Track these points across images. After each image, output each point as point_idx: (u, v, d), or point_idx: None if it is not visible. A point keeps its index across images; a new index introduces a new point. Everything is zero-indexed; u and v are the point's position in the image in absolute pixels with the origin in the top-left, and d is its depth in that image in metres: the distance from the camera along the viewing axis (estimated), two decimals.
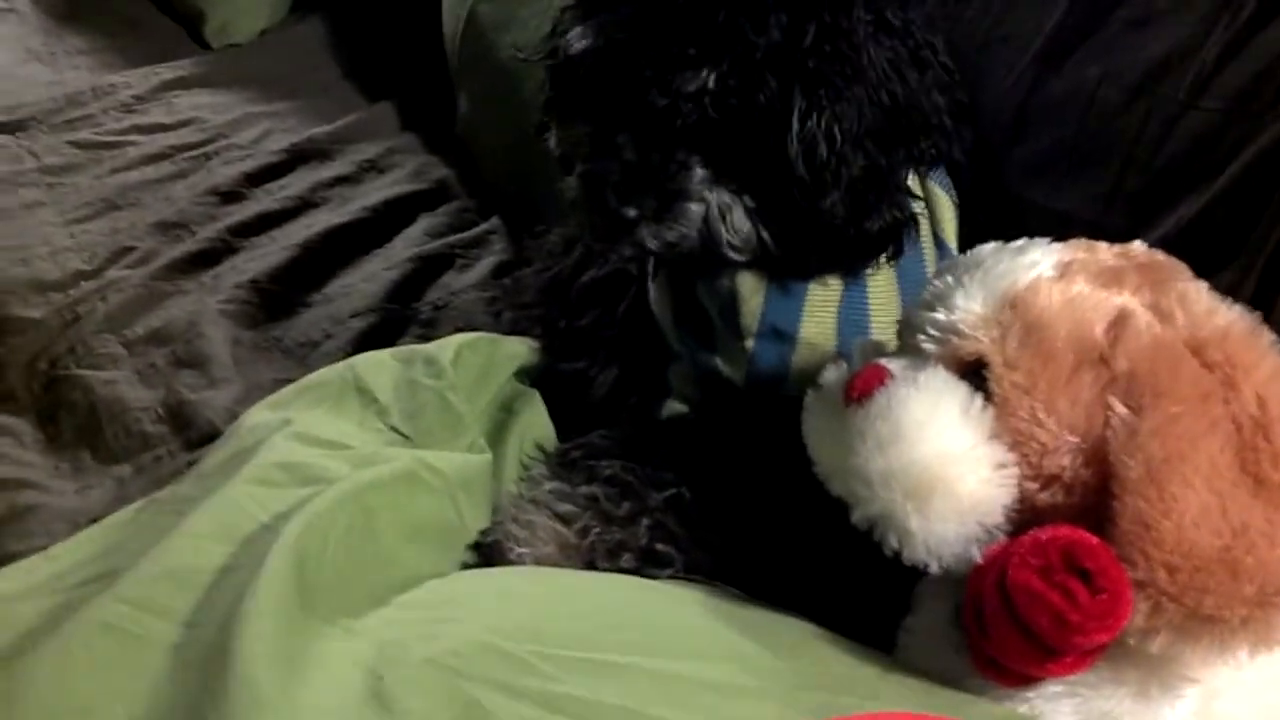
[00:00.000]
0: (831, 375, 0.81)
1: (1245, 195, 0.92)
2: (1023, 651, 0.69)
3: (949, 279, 0.80)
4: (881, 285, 0.99)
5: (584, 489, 0.97)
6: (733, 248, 0.95)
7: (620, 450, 1.01)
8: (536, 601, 0.79)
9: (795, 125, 0.90)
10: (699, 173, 0.93)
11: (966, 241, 1.05)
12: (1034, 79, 1.10)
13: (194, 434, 1.21)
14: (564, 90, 0.97)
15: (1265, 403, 0.70)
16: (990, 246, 0.82)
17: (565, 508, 0.96)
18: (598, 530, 0.94)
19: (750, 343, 0.97)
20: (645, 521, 0.95)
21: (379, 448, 0.93)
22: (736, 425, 1.01)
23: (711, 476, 0.98)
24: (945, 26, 1.14)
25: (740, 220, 0.94)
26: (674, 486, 0.97)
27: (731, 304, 0.98)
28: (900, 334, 0.84)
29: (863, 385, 0.75)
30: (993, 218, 1.07)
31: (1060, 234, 1.03)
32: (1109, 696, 0.71)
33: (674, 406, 1.04)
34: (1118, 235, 0.99)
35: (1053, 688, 0.72)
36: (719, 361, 1.00)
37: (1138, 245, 0.82)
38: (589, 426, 1.05)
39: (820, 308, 0.97)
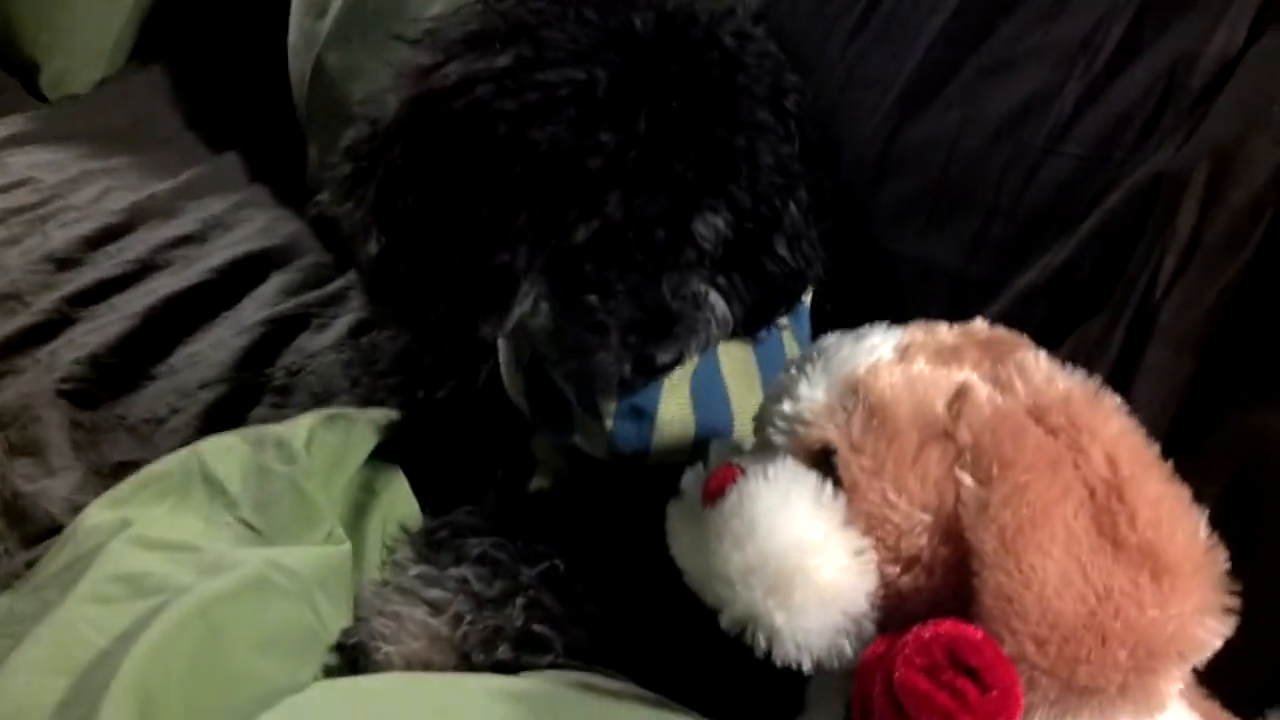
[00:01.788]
0: (690, 480, 0.80)
1: (1110, 242, 0.92)
2: None
3: (793, 371, 0.80)
4: (735, 356, 0.97)
5: (453, 570, 0.93)
6: (717, 338, 0.95)
7: (489, 526, 0.97)
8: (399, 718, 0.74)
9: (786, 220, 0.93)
10: (712, 291, 0.93)
11: (835, 298, 1.04)
12: (895, 124, 1.09)
13: (32, 529, 1.13)
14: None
15: (1115, 463, 0.69)
16: (833, 336, 0.82)
17: (434, 593, 0.91)
18: (469, 618, 0.89)
19: (609, 423, 0.93)
20: (519, 600, 0.91)
21: (228, 547, 0.87)
22: (606, 496, 0.97)
23: (585, 548, 0.94)
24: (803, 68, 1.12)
25: (723, 310, 0.94)
26: (547, 559, 0.93)
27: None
28: (755, 430, 0.83)
29: (715, 485, 0.74)
30: (859, 270, 1.06)
31: (926, 283, 1.04)
32: None
33: (541, 481, 1.00)
34: (984, 284, 0.99)
35: None
36: (578, 439, 0.96)
37: (979, 323, 0.82)
38: (455, 502, 1.01)
39: (676, 384, 0.94)
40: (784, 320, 0.99)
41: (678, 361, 0.92)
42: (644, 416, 0.93)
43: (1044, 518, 0.67)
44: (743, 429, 0.94)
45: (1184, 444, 0.78)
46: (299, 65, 1.71)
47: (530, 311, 0.90)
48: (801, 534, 0.71)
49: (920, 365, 0.76)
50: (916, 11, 1.11)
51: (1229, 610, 0.69)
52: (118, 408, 1.31)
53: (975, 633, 0.66)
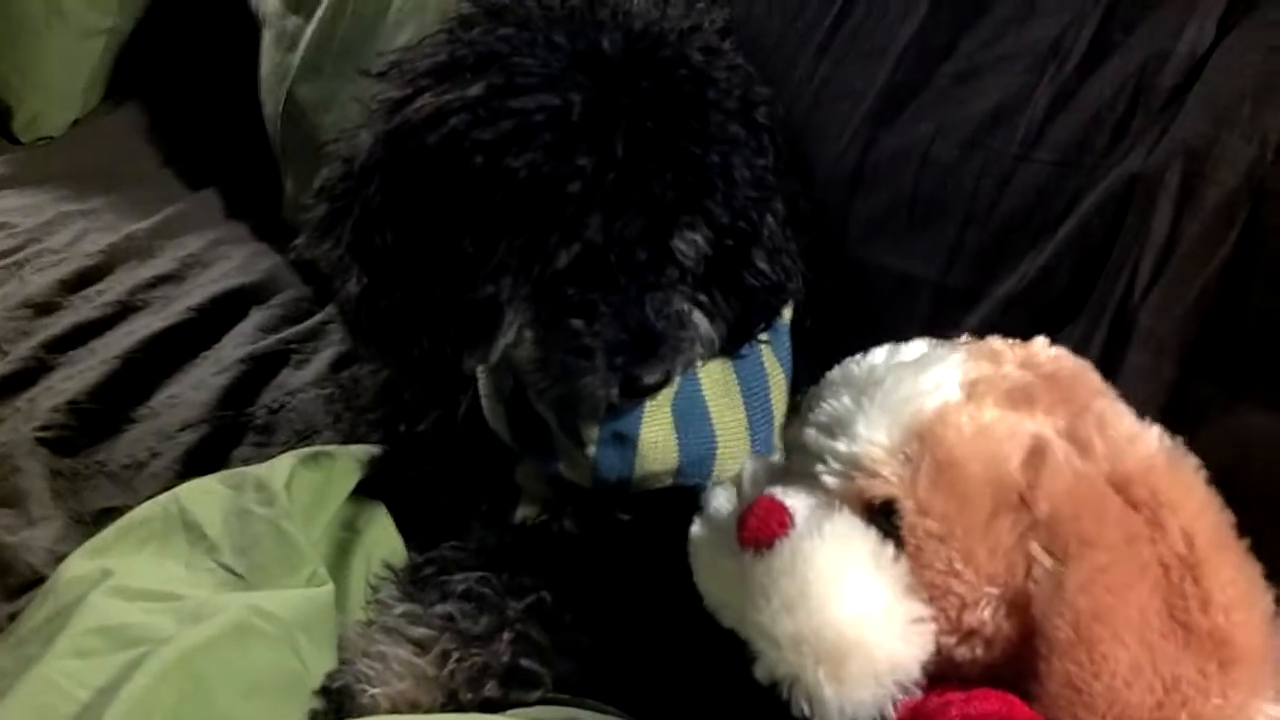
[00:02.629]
0: (721, 503, 0.76)
1: (1087, 247, 0.91)
2: None
3: (846, 400, 0.74)
4: (715, 375, 0.96)
5: (438, 608, 0.91)
6: (701, 356, 0.94)
7: (474, 561, 0.95)
8: None
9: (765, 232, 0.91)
10: (695, 310, 0.92)
11: (814, 313, 1.03)
12: (868, 138, 1.08)
13: (14, 580, 1.12)
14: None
15: (1193, 541, 0.66)
16: (883, 357, 0.78)
17: (419, 632, 0.90)
18: (456, 655, 0.88)
19: (592, 450, 0.92)
20: (506, 636, 0.89)
21: (209, 593, 0.86)
22: (592, 524, 0.96)
23: (572, 577, 0.93)
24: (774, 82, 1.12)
25: (706, 328, 0.93)
26: (534, 592, 0.92)
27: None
28: (788, 452, 0.79)
29: (760, 528, 0.69)
30: (837, 283, 1.05)
31: (905, 295, 1.03)
32: None
33: (526, 510, 0.99)
34: (963, 294, 0.98)
35: None
36: (562, 468, 0.95)
37: (1040, 345, 0.79)
38: (440, 537, 1.00)
39: (657, 407, 0.92)
40: (763, 336, 0.98)
41: (664, 382, 0.90)
42: (626, 442, 0.92)
43: (1120, 603, 0.64)
44: (725, 449, 0.93)
45: None
46: (271, 99, 1.70)
47: (514, 341, 0.89)
48: (861, 606, 0.67)
49: (990, 411, 0.71)
50: (885, 23, 1.11)
51: None
52: (98, 454, 1.29)
53: (1027, 713, 0.64)
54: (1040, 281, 0.94)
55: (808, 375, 0.94)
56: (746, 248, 0.92)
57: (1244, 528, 0.77)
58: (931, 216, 1.02)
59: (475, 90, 0.85)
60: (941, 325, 0.91)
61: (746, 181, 0.90)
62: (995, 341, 0.80)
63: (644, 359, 0.88)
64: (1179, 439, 0.75)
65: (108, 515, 1.06)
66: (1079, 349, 0.89)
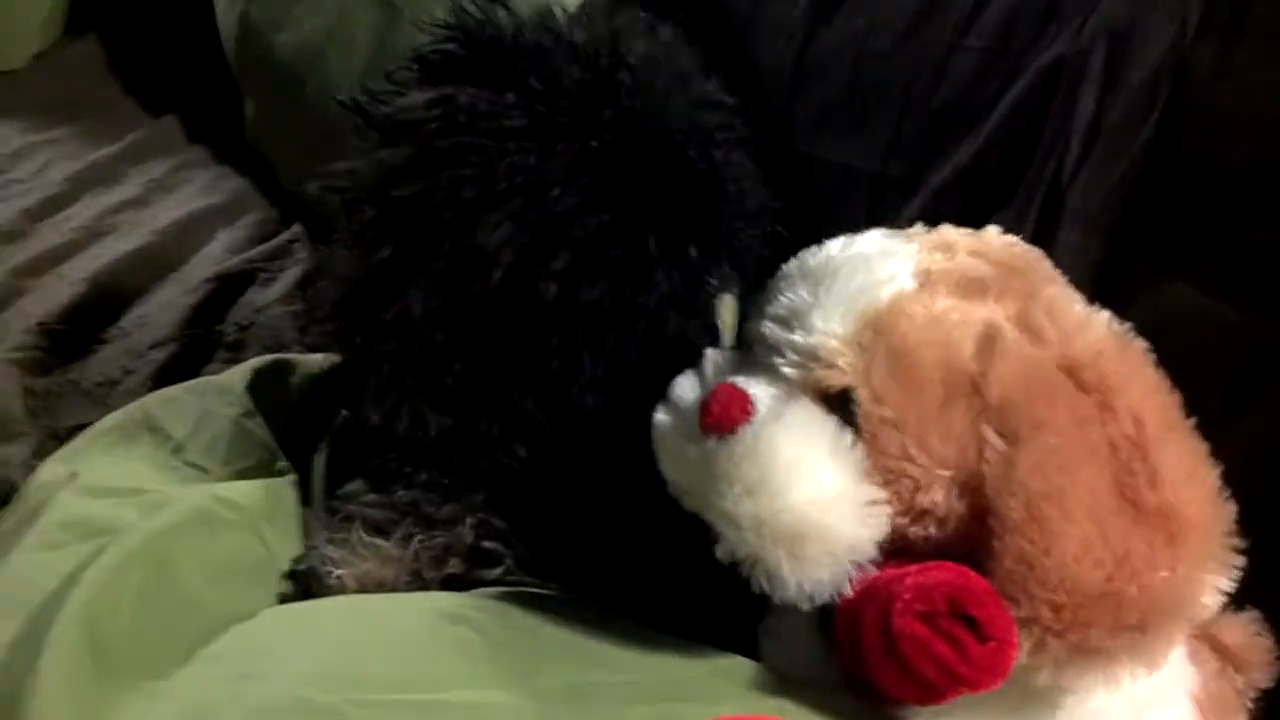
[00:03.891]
0: (685, 391, 0.77)
1: (1017, 132, 0.94)
2: (904, 690, 0.67)
3: (802, 293, 0.76)
4: None
5: (402, 494, 0.94)
6: None
7: (439, 453, 0.98)
8: (349, 642, 0.75)
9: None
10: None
11: None
12: (806, 34, 1.10)
13: None
14: None
15: (1140, 421, 0.68)
16: (837, 248, 0.79)
17: (384, 516, 0.92)
18: (420, 537, 0.91)
19: None
20: (469, 520, 0.92)
21: (174, 487, 0.89)
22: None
23: (534, 468, 0.95)
24: None
25: None
26: (496, 480, 0.94)
27: None
28: (748, 343, 0.81)
29: (723, 415, 0.71)
30: (782, 179, 1.07)
31: (847, 187, 1.05)
32: (983, 714, 0.69)
33: None
34: (901, 184, 1.01)
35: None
36: None
37: (993, 234, 0.80)
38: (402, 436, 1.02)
39: None
40: None
41: None
42: None
43: (1071, 482, 0.65)
44: None
45: None
46: (227, 20, 1.70)
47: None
48: (819, 489, 0.68)
49: (943, 300, 0.73)
50: None
51: (1233, 566, 0.68)
52: (70, 373, 1.31)
53: (979, 582, 0.65)
54: (972, 168, 0.96)
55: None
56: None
57: None
58: (870, 109, 1.04)
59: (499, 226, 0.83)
60: (882, 215, 0.94)
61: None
62: (949, 231, 0.81)
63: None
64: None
65: (81, 430, 1.07)
66: (1011, 232, 0.92)
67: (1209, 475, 0.70)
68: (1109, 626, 0.65)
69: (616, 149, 0.83)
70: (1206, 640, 0.77)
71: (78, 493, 0.87)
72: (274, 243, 1.53)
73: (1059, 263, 0.86)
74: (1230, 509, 0.69)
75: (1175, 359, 0.81)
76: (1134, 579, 0.64)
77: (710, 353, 0.82)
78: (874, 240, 0.80)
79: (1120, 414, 0.68)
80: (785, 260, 0.83)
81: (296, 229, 1.56)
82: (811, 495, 0.68)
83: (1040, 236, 0.90)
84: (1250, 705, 0.78)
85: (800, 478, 0.68)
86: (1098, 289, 0.85)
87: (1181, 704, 0.73)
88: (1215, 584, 0.68)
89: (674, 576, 0.84)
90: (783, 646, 0.77)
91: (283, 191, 1.64)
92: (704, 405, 0.73)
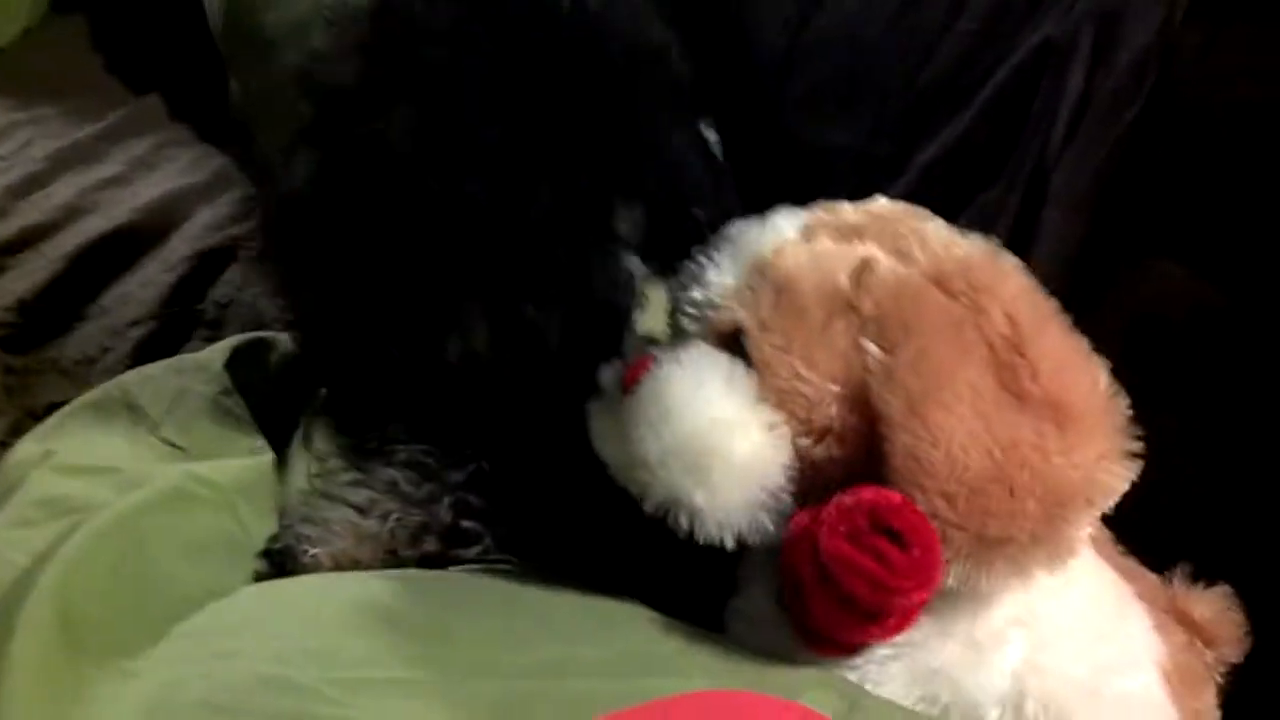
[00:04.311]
0: (609, 375, 0.80)
1: (1003, 112, 0.94)
2: (845, 621, 0.68)
3: (701, 258, 0.81)
4: None
5: (381, 473, 0.93)
6: None
7: (417, 433, 0.97)
8: (321, 619, 0.75)
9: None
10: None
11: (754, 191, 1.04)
12: (799, 18, 1.09)
13: None
14: None
15: (1014, 320, 0.70)
16: (739, 223, 0.83)
17: (361, 495, 0.91)
18: (397, 515, 0.90)
19: None
20: (447, 500, 0.91)
21: (150, 465, 0.88)
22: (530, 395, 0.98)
23: (511, 449, 0.95)
24: None
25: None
26: (474, 461, 0.94)
27: None
28: (668, 323, 0.84)
29: (632, 375, 0.75)
30: (771, 161, 1.07)
31: (833, 168, 1.05)
32: (937, 651, 0.71)
33: None
34: (887, 164, 1.00)
35: (881, 651, 0.71)
36: None
37: (880, 200, 0.83)
38: (381, 414, 1.01)
39: None
40: None
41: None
42: None
43: (948, 378, 0.68)
44: None
45: (1081, 300, 0.79)
46: (213, 0, 1.69)
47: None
48: (715, 414, 0.71)
49: (824, 243, 0.77)
50: None
51: (1133, 455, 0.70)
52: (49, 350, 1.31)
53: (894, 496, 0.67)
54: (959, 148, 0.96)
55: None
56: (682, 205, 0.93)
57: (1152, 371, 0.80)
58: (859, 92, 1.04)
59: (407, 118, 0.84)
60: (867, 194, 0.93)
61: (680, 146, 0.90)
62: (841, 204, 0.84)
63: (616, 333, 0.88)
64: (1092, 292, 0.78)
65: (59, 409, 1.07)
66: (997, 211, 0.92)
67: (1092, 366, 0.71)
68: (1008, 514, 0.66)
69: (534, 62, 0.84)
70: (1175, 614, 0.78)
71: (53, 471, 0.86)
72: (255, 221, 1.51)
73: (1043, 241, 0.87)
74: (1123, 400, 0.70)
75: (1158, 335, 0.82)
76: (1025, 465, 0.66)
77: (629, 336, 0.85)
78: (775, 210, 0.84)
79: (993, 314, 0.70)
80: None
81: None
82: (708, 420, 0.71)
83: (1025, 215, 0.90)
84: (1220, 680, 0.78)
85: (697, 407, 0.72)
86: (1081, 266, 0.85)
87: (1148, 672, 0.74)
88: (1117, 471, 0.69)
89: (643, 557, 0.84)
90: (747, 622, 0.78)
91: (265, 169, 1.63)
92: (622, 377, 0.77)
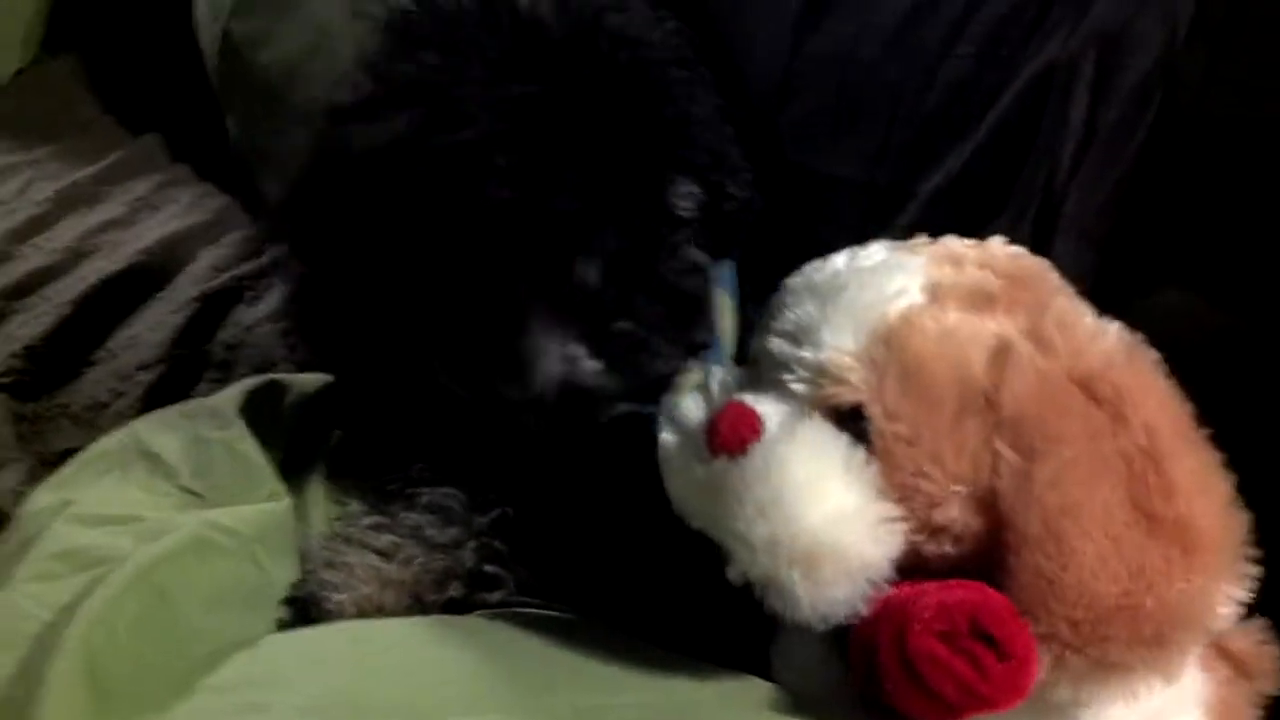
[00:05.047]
0: (690, 409, 0.76)
1: (1008, 139, 0.94)
2: (922, 710, 0.66)
3: (810, 308, 0.75)
4: None
5: (404, 518, 0.93)
6: None
7: (440, 476, 0.97)
8: (351, 666, 0.75)
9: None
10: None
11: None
12: (794, 41, 1.09)
13: None
14: None
15: (1154, 433, 0.67)
16: (843, 262, 0.78)
17: (385, 540, 0.91)
18: (420, 560, 0.90)
19: None
20: (471, 545, 0.91)
21: (170, 514, 0.88)
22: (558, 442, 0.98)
23: (537, 492, 0.95)
24: None
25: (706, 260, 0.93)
26: (498, 506, 0.93)
27: None
28: (754, 359, 0.80)
29: (732, 434, 0.70)
30: (771, 189, 1.07)
31: (836, 197, 1.05)
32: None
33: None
34: (892, 193, 1.00)
35: None
36: None
37: (998, 244, 0.79)
38: (402, 456, 1.01)
39: None
40: None
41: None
42: None
43: (1087, 497, 0.65)
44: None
45: None
46: (208, 38, 1.68)
47: (563, 364, 0.87)
48: (834, 508, 0.68)
49: (953, 314, 0.72)
50: None
51: (1248, 577, 0.69)
52: (59, 397, 1.30)
53: (999, 600, 0.65)
54: (964, 176, 0.96)
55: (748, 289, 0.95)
56: (722, 179, 0.93)
57: None
58: (858, 118, 1.04)
59: (407, 125, 0.84)
60: (872, 227, 0.93)
61: (710, 117, 0.91)
62: (954, 243, 0.80)
63: (693, 323, 0.88)
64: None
65: (72, 455, 1.06)
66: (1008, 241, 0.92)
67: (1222, 485, 0.69)
68: (1126, 640, 0.64)
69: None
70: (1214, 648, 0.77)
71: (71, 521, 0.85)
72: (260, 260, 1.51)
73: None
74: (1243, 518, 0.68)
75: (1171, 365, 0.82)
76: (1150, 592, 0.64)
77: (716, 370, 0.81)
78: (880, 253, 0.79)
79: (1134, 426, 0.67)
80: (786, 275, 0.83)
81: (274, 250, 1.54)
82: (826, 515, 0.67)
83: (1036, 246, 0.89)
84: (1260, 713, 0.78)
85: (814, 497, 0.68)
86: (1092, 297, 0.85)
87: (1191, 714, 0.73)
88: (1231, 595, 0.68)
89: (682, 597, 0.84)
90: (795, 667, 0.76)
91: (268, 207, 1.63)
92: (711, 424, 0.72)
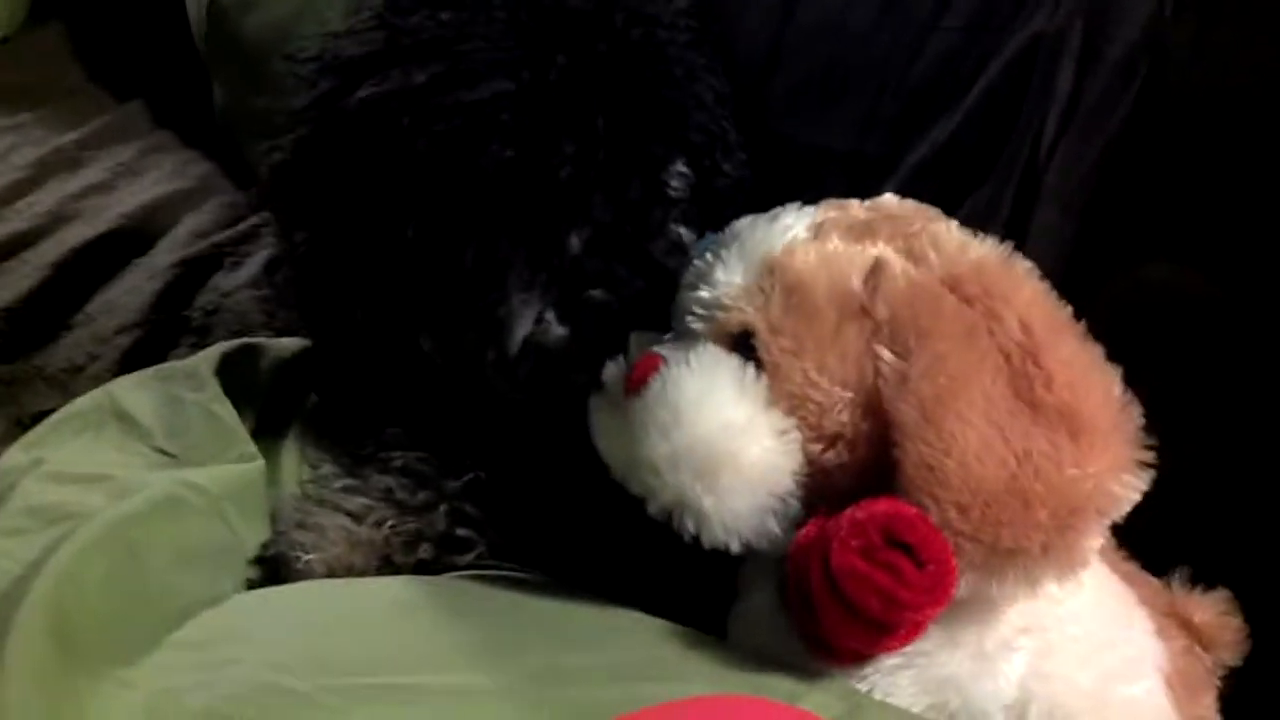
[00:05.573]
0: (612, 373, 0.80)
1: (994, 110, 0.93)
2: (854, 632, 0.67)
3: (708, 257, 0.80)
4: None
5: (376, 480, 0.93)
6: None
7: (413, 440, 0.97)
8: (319, 626, 0.75)
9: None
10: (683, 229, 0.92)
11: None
12: (783, 10, 1.09)
13: None
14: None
15: (1029, 328, 0.69)
16: (746, 219, 0.82)
17: (356, 502, 0.91)
18: (391, 522, 0.90)
19: None
20: (443, 508, 0.91)
21: (141, 473, 0.87)
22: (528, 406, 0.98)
23: (509, 457, 0.94)
24: None
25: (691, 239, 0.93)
26: (471, 471, 0.93)
27: None
28: (673, 322, 0.83)
29: (638, 375, 0.74)
30: (757, 159, 1.06)
31: (822, 167, 1.04)
32: (945, 662, 0.71)
33: None
34: (877, 163, 1.00)
35: (890, 661, 0.70)
36: None
37: (889, 198, 0.83)
38: (374, 421, 1.01)
39: None
40: None
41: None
42: None
43: (963, 386, 0.67)
44: None
45: (1075, 299, 0.79)
46: (194, 4, 1.68)
47: (535, 330, 0.88)
48: (726, 418, 0.71)
49: (835, 242, 0.76)
50: None
51: (1145, 465, 0.69)
52: (35, 359, 1.30)
53: (908, 509, 0.66)
54: (949, 147, 0.95)
55: None
56: (716, 160, 0.94)
57: (1142, 374, 0.80)
58: (846, 88, 1.03)
59: (420, 79, 0.84)
60: (859, 194, 0.92)
61: (711, 102, 0.91)
62: (850, 201, 0.84)
63: (670, 299, 0.87)
64: (1084, 294, 0.77)
65: (47, 417, 1.06)
66: (989, 211, 0.92)
67: (1106, 375, 0.71)
68: (1020, 525, 0.66)
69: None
70: (1174, 618, 0.78)
71: (43, 479, 0.85)
72: (241, 227, 1.51)
73: (1035, 242, 0.86)
74: (1136, 410, 0.70)
75: (1153, 332, 0.82)
76: (1039, 477, 0.66)
77: (634, 335, 0.84)
78: (777, 209, 0.83)
79: (1007, 321, 0.70)
80: None
81: (266, 213, 1.53)
82: (719, 425, 0.71)
83: (1016, 216, 0.90)
84: (1219, 683, 0.78)
85: (708, 409, 0.71)
86: (1072, 267, 0.85)
87: (1151, 678, 0.74)
88: (1130, 484, 0.69)
89: (647, 561, 0.84)
90: (749, 627, 0.77)
91: (252, 175, 1.62)
92: (626, 376, 0.76)
